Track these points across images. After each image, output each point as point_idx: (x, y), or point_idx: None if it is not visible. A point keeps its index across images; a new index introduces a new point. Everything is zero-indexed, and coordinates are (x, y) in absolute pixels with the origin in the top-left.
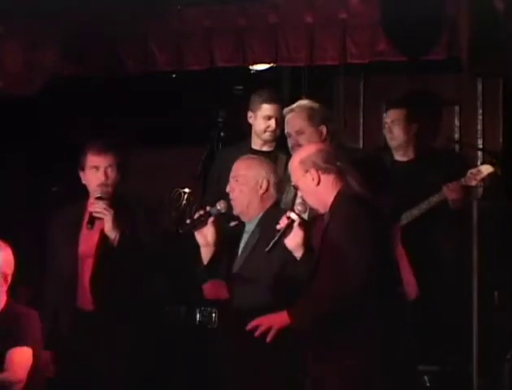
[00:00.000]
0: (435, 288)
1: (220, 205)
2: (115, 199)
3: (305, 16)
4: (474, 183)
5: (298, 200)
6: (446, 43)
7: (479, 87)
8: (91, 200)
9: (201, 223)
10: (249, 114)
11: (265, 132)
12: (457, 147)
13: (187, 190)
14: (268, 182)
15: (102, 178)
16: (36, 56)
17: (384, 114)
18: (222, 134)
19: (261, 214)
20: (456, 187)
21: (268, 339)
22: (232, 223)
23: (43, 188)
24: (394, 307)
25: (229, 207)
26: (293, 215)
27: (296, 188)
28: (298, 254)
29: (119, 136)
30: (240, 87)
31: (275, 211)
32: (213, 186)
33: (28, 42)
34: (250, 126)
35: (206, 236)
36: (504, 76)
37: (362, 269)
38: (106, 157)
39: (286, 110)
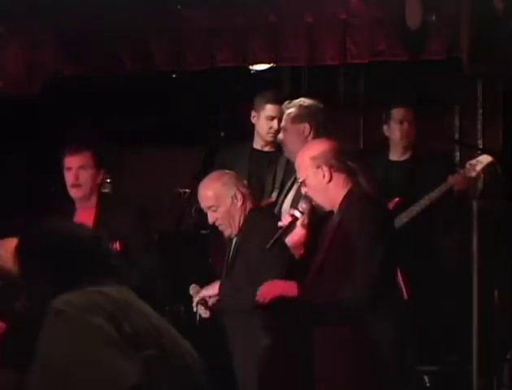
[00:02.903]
0: (435, 288)
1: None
2: (103, 200)
3: (305, 16)
4: (474, 174)
5: (302, 198)
6: (446, 43)
7: (479, 87)
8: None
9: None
10: (253, 114)
11: (268, 133)
12: (457, 147)
13: (187, 190)
14: (241, 192)
15: (72, 178)
16: (36, 56)
17: (392, 111)
18: (222, 134)
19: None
20: (458, 179)
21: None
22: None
23: (43, 188)
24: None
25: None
26: (297, 213)
27: (303, 185)
28: (298, 253)
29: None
30: (241, 87)
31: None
32: None
33: (28, 42)
34: (252, 126)
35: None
36: (504, 76)
37: (370, 277)
38: (77, 157)
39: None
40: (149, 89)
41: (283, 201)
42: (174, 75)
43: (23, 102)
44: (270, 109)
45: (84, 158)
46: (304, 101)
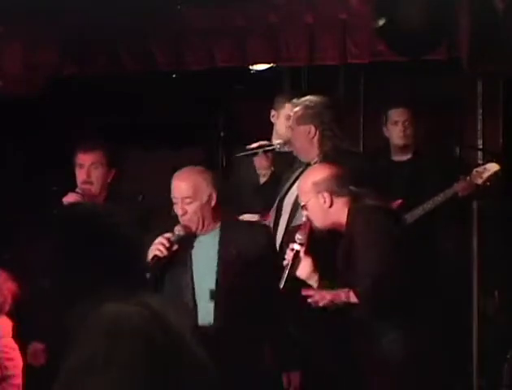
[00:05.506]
0: (435, 288)
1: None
2: (110, 198)
3: (305, 16)
4: (480, 181)
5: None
6: (446, 43)
7: (479, 87)
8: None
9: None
10: (272, 113)
11: (287, 131)
12: (457, 147)
13: None
14: (217, 195)
15: (84, 176)
16: (36, 56)
17: (389, 113)
18: (222, 134)
19: (218, 227)
20: (463, 185)
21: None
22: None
23: (43, 188)
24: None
25: None
26: (296, 246)
27: (304, 208)
28: (313, 282)
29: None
30: (241, 87)
31: (231, 221)
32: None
33: (28, 42)
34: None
35: None
36: (504, 76)
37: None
38: (90, 155)
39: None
40: (150, 89)
41: (284, 197)
42: (174, 75)
43: (23, 102)
44: (289, 108)
45: (97, 156)
46: (310, 100)
